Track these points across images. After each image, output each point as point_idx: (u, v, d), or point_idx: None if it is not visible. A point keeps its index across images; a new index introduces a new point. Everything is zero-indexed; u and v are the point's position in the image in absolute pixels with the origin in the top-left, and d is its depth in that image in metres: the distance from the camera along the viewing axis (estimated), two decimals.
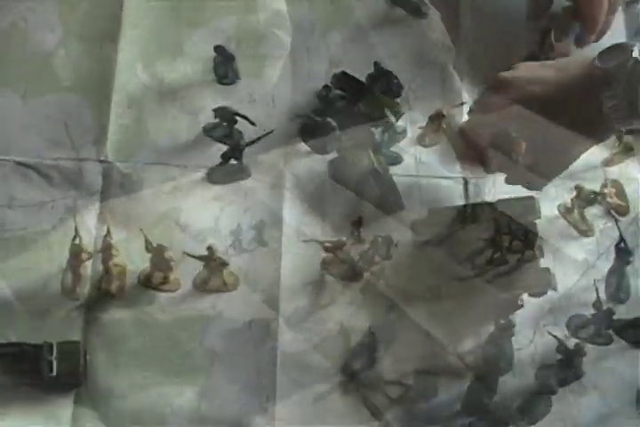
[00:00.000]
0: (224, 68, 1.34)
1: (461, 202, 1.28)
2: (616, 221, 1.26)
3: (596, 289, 1.22)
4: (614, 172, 1.33)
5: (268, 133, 1.27)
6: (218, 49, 1.32)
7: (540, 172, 1.20)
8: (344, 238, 1.21)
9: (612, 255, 1.26)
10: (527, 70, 1.24)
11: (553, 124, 1.17)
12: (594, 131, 1.17)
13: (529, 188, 1.23)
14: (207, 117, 1.31)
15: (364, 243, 1.18)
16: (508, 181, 1.24)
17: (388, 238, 1.16)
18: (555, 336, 1.19)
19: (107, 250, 1.19)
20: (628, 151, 1.32)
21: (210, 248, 1.19)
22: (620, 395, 1.21)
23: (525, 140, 1.17)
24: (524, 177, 1.21)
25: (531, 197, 1.23)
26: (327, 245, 1.21)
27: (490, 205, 1.22)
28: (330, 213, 1.27)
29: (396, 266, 1.18)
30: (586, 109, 1.16)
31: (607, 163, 1.33)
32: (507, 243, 1.13)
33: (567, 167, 1.21)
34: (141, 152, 1.29)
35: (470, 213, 1.22)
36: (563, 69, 1.21)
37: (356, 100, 1.31)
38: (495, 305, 1.16)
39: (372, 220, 1.22)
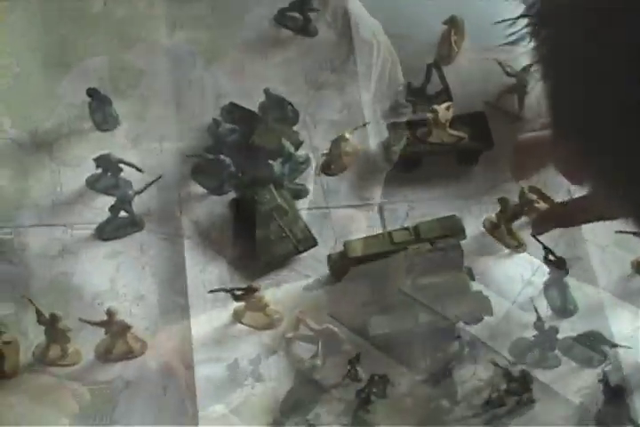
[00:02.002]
0: (101, 113, 1.26)
1: (379, 230, 1.22)
2: (534, 237, 1.19)
3: (535, 308, 1.16)
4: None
5: (157, 179, 1.20)
6: (91, 92, 1.24)
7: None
8: (255, 284, 1.13)
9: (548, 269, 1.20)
10: None
11: None
12: None
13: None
14: (89, 168, 1.23)
15: (361, 381, 1.12)
16: None
17: (385, 378, 1.11)
18: (496, 364, 1.12)
19: None
20: None
21: (109, 312, 1.11)
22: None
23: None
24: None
25: (452, 216, 1.18)
26: (237, 293, 1.13)
27: (413, 228, 1.16)
28: (238, 258, 1.20)
29: (392, 404, 1.12)
30: None
31: None
32: (504, 385, 1.11)
33: None
34: (21, 214, 1.21)
35: (391, 239, 1.15)
36: None
37: (249, 133, 1.24)
38: None
39: (368, 358, 1.14)
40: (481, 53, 1.35)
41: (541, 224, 1.15)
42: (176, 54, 1.32)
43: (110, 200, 1.21)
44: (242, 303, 1.15)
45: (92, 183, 1.23)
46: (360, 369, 1.11)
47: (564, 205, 1.16)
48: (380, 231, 1.22)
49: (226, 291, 1.14)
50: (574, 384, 1.15)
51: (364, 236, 1.19)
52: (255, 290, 1.13)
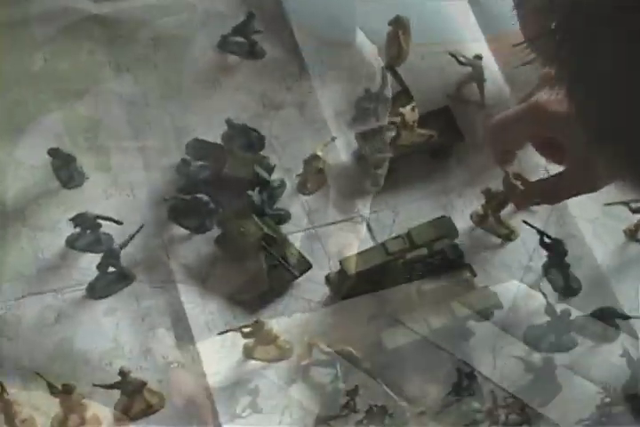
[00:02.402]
0: (66, 170, 1.24)
1: (370, 243, 1.21)
2: (526, 223, 1.19)
3: (543, 293, 1.16)
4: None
5: (140, 229, 1.19)
6: (52, 152, 1.22)
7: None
8: (261, 318, 1.12)
9: (544, 251, 1.20)
10: None
11: None
12: None
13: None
14: (67, 228, 1.21)
15: (358, 413, 1.11)
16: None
17: (383, 408, 1.10)
18: (495, 397, 1.12)
19: (6, 409, 1.08)
20: None
21: (122, 372, 1.09)
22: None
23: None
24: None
25: (442, 217, 1.18)
26: (246, 330, 1.12)
27: (406, 236, 1.15)
28: (236, 293, 1.19)
29: None
30: None
31: None
32: (503, 417, 1.10)
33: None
34: (8, 288, 1.18)
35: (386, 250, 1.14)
36: None
37: (219, 167, 1.23)
38: None
39: (366, 388, 1.13)
40: (430, 48, 1.34)
41: (523, 200, 1.15)
42: (128, 98, 1.30)
43: (95, 257, 1.20)
44: (251, 339, 1.14)
45: (73, 243, 1.21)
46: (358, 400, 1.11)
47: (545, 181, 1.17)
48: (371, 243, 1.22)
49: (234, 330, 1.12)
50: (595, 363, 1.15)
51: (359, 251, 1.18)
52: (263, 324, 1.12)
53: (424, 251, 1.14)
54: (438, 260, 1.14)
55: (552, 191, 1.16)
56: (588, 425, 1.10)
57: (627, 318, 1.15)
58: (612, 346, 1.16)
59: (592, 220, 1.24)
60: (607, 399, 1.09)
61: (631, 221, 1.23)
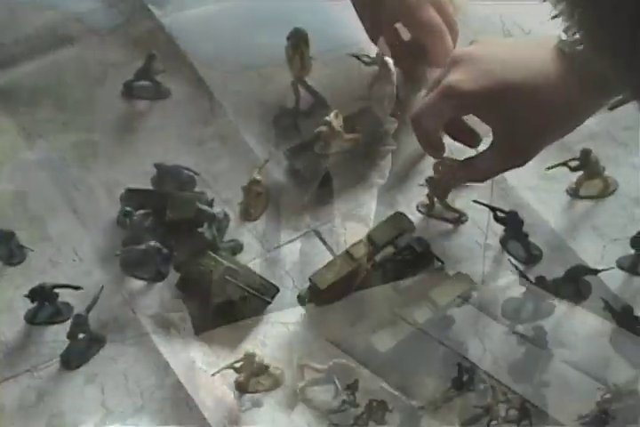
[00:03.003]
0: (4, 247, 1.22)
1: (328, 254, 1.22)
2: (476, 202, 1.21)
3: (514, 265, 1.18)
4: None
5: (101, 290, 1.17)
6: None
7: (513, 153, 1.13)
8: (248, 351, 1.12)
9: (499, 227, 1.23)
10: (484, 47, 1.13)
11: (521, 105, 1.09)
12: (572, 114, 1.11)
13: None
14: (22, 306, 1.19)
15: (358, 407, 1.11)
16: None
17: (383, 403, 1.10)
18: (494, 391, 1.12)
19: None
20: None
21: None
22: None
23: (491, 122, 1.11)
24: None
25: (396, 214, 1.19)
26: (237, 365, 1.11)
27: (367, 239, 1.16)
28: (212, 333, 1.17)
29: None
30: (560, 90, 1.08)
31: None
32: (503, 412, 1.11)
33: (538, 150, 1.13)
34: None
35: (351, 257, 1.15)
36: (527, 48, 1.12)
37: (161, 212, 1.22)
38: None
39: (366, 384, 1.13)
40: (331, 55, 1.36)
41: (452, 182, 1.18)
42: (48, 164, 1.28)
43: (59, 328, 1.18)
44: (242, 374, 1.13)
45: (33, 319, 1.19)
46: (358, 395, 1.11)
47: (474, 159, 1.18)
48: (329, 254, 1.22)
49: (227, 368, 1.11)
50: (580, 322, 1.17)
51: (321, 264, 1.18)
52: (253, 355, 1.11)
53: (391, 249, 1.15)
54: (407, 255, 1.15)
55: (483, 169, 1.18)
56: (587, 423, 1.11)
57: (597, 272, 1.17)
58: (589, 302, 1.18)
59: (533, 187, 1.27)
60: (607, 395, 1.10)
61: (571, 180, 1.26)
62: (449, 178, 1.20)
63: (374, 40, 1.31)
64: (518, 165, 1.15)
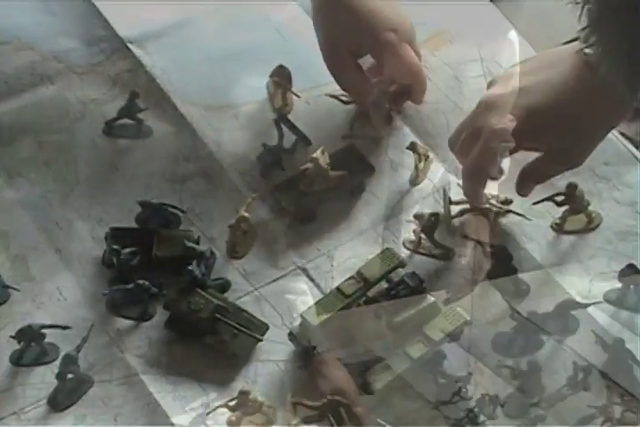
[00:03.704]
0: None
1: (316, 291, 1.22)
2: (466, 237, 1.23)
3: (506, 300, 1.20)
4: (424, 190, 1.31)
5: (91, 328, 1.16)
6: None
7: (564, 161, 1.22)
8: (244, 387, 1.12)
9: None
10: (508, 84, 1.19)
11: (562, 124, 1.17)
12: (610, 115, 1.18)
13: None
14: (7, 346, 1.18)
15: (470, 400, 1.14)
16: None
17: (496, 397, 1.13)
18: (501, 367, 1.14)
19: None
20: (429, 163, 1.31)
21: None
22: None
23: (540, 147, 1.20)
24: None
25: (386, 249, 1.20)
26: (231, 404, 1.11)
27: (358, 275, 1.17)
28: (202, 371, 1.17)
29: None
30: (593, 99, 1.15)
31: (414, 181, 1.31)
32: (618, 414, 1.12)
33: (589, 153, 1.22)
34: None
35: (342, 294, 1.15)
36: (548, 68, 1.19)
37: (148, 250, 1.21)
38: None
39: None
40: (311, 92, 1.37)
41: (525, 185, 1.22)
42: (28, 202, 1.27)
43: (45, 370, 1.16)
44: (235, 413, 1.12)
45: (19, 360, 1.17)
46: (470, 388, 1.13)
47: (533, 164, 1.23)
48: (317, 291, 1.23)
49: (222, 406, 1.11)
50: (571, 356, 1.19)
51: (314, 302, 1.18)
52: (248, 393, 1.11)
53: (383, 285, 1.16)
54: (401, 290, 1.16)
55: (541, 173, 1.24)
56: None
57: (586, 306, 1.19)
58: (578, 336, 1.20)
59: (518, 222, 1.29)
60: None
61: (554, 216, 1.29)
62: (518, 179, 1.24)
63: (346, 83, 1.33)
64: (570, 168, 1.24)
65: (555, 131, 1.18)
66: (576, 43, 1.17)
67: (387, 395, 1.13)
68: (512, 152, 1.19)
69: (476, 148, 1.17)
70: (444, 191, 1.26)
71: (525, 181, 1.24)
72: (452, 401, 1.13)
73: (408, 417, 1.14)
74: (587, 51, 1.12)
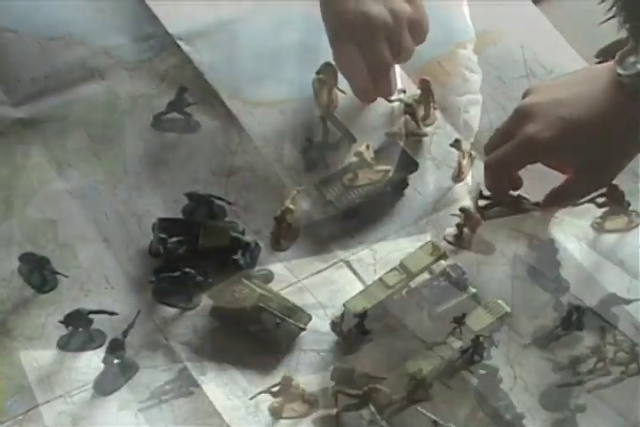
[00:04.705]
0: (37, 275, 1.24)
1: (358, 284, 1.25)
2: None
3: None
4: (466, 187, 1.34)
5: (138, 315, 1.19)
6: (25, 258, 1.23)
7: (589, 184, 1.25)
8: (287, 374, 1.15)
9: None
10: (544, 94, 1.24)
11: (594, 139, 1.20)
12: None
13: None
14: (55, 332, 1.21)
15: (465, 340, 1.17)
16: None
17: (490, 338, 1.15)
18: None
19: None
20: (472, 160, 1.34)
21: None
22: None
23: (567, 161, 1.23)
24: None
25: (429, 243, 1.23)
26: (274, 389, 1.14)
27: (400, 267, 1.20)
28: (246, 360, 1.20)
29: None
30: (623, 117, 1.18)
31: (456, 178, 1.34)
32: (611, 354, 1.15)
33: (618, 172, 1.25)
34: (12, 404, 1.16)
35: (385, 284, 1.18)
36: (583, 83, 1.23)
37: (194, 240, 1.24)
38: None
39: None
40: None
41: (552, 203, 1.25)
42: (78, 192, 1.31)
43: (91, 355, 1.20)
44: (277, 399, 1.15)
45: (66, 345, 1.20)
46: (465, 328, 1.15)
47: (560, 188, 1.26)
48: (359, 283, 1.25)
49: (265, 392, 1.13)
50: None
51: (357, 292, 1.21)
52: (290, 379, 1.13)
53: (426, 276, 1.18)
54: (443, 281, 1.18)
55: (570, 195, 1.27)
56: None
57: (629, 302, 1.21)
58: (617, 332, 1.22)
59: (559, 222, 1.31)
60: None
61: (594, 216, 1.30)
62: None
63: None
64: (604, 185, 1.26)
65: (586, 143, 1.21)
66: (612, 62, 1.20)
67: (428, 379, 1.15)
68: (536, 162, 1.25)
69: (506, 145, 1.20)
70: (477, 184, 1.29)
71: (551, 203, 1.27)
72: (447, 341, 1.16)
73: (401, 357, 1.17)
74: (619, 71, 1.18)
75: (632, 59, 1.17)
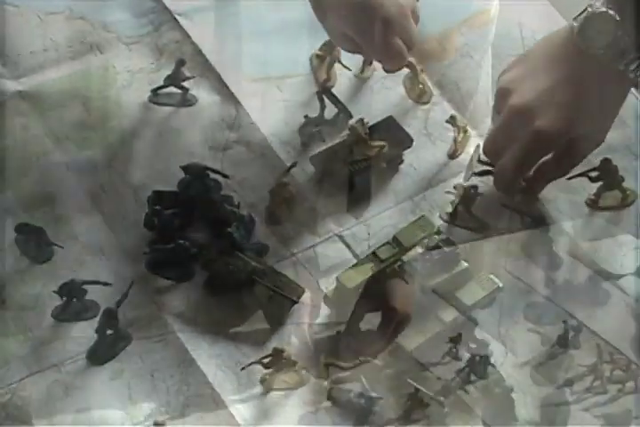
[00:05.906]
0: (34, 246, 1.24)
1: (352, 258, 1.25)
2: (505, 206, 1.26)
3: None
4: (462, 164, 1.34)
5: (131, 285, 1.19)
6: (22, 228, 1.23)
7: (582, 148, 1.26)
8: (278, 346, 1.15)
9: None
10: (516, 69, 1.25)
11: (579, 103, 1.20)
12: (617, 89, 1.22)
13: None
14: (49, 302, 1.21)
15: (461, 360, 1.16)
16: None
17: (486, 358, 1.15)
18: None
19: None
20: (467, 137, 1.34)
21: None
22: None
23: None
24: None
25: (422, 217, 1.23)
26: (265, 360, 1.14)
27: (393, 241, 1.20)
28: (237, 331, 1.21)
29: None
30: (599, 77, 1.20)
31: (452, 154, 1.34)
32: (608, 372, 1.15)
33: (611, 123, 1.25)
34: (5, 372, 1.17)
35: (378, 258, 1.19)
36: (546, 46, 1.25)
37: (189, 213, 1.25)
38: None
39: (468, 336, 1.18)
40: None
41: (538, 184, 1.25)
42: (75, 165, 1.32)
43: (85, 325, 1.20)
44: (269, 371, 1.16)
45: (60, 315, 1.21)
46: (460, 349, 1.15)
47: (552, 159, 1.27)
48: (352, 258, 1.26)
49: (256, 363, 1.14)
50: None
51: (349, 266, 1.22)
52: (282, 350, 1.14)
53: (418, 250, 1.19)
54: (435, 255, 1.18)
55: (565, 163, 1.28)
56: None
57: (619, 277, 1.21)
58: (608, 307, 1.22)
59: (553, 199, 1.31)
60: None
61: (589, 193, 1.31)
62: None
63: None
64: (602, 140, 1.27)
65: (574, 99, 1.21)
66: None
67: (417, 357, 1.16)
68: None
69: (516, 151, 1.21)
70: (477, 148, 1.29)
71: (541, 181, 1.29)
72: (443, 362, 1.15)
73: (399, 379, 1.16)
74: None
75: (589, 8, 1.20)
